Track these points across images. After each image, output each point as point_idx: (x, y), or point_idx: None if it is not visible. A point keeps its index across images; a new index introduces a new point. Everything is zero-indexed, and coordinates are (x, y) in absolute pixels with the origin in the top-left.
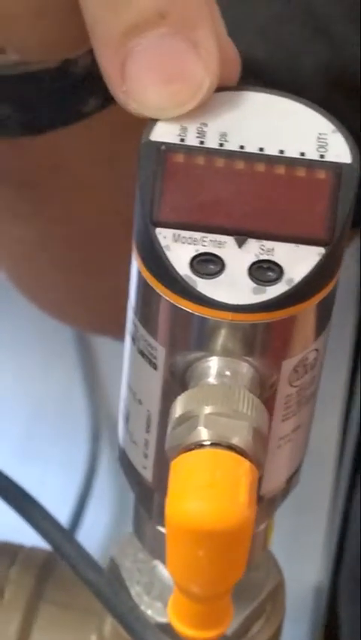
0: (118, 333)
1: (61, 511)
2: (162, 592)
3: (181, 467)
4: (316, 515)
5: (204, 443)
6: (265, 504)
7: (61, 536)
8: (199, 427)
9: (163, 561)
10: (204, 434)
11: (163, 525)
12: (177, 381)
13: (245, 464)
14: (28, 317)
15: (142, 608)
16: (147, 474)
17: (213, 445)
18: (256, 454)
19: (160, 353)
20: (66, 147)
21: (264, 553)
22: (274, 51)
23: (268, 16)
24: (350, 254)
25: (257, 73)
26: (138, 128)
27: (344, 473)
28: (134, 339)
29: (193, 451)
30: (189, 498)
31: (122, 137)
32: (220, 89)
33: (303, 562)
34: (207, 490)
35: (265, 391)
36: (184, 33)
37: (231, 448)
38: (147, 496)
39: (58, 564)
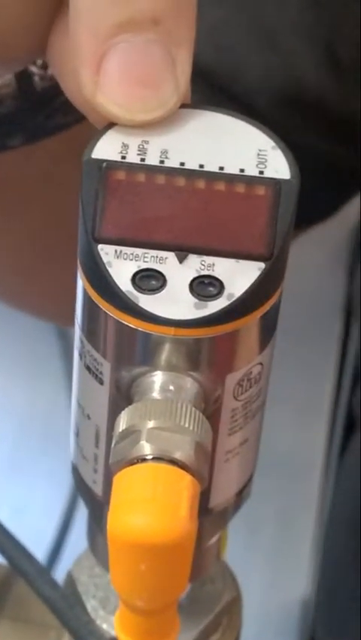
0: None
1: (47, 525)
2: (118, 606)
3: (123, 481)
4: (302, 527)
5: (147, 457)
6: (216, 517)
7: (16, 551)
8: (142, 442)
9: None
10: (146, 448)
11: None
12: (123, 396)
13: (186, 478)
14: (14, 332)
15: (98, 622)
16: (97, 488)
17: (156, 459)
18: (199, 468)
19: (105, 368)
20: (3, 165)
21: (219, 565)
22: (222, 56)
23: (217, 19)
24: (337, 262)
25: (204, 77)
26: (75, 153)
27: (330, 485)
28: (81, 355)
29: (135, 466)
30: (130, 512)
31: (62, 159)
32: None
33: (289, 574)
34: (148, 503)
35: (209, 405)
36: (168, 46)
37: (173, 462)
38: (98, 511)
39: (17, 579)
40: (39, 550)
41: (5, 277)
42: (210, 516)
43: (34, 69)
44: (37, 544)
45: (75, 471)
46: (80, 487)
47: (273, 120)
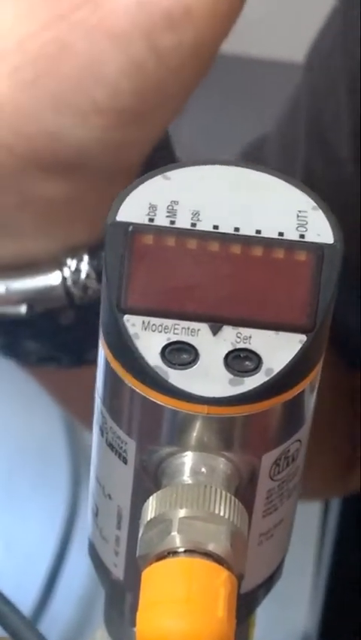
0: None
1: (42, 556)
2: None
3: (153, 578)
4: (302, 559)
5: (178, 551)
6: (245, 602)
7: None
8: (173, 533)
9: None
10: (177, 541)
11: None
12: (150, 477)
13: (223, 574)
14: (6, 362)
15: None
16: (118, 572)
17: (188, 552)
18: (236, 561)
19: (130, 447)
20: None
21: None
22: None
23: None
24: None
25: None
26: None
27: (333, 509)
28: (102, 431)
29: (166, 560)
30: (163, 614)
31: None
32: (192, 162)
33: (290, 607)
34: (181, 604)
35: (244, 487)
36: None
37: (208, 555)
38: (119, 595)
39: None
40: (33, 581)
41: None
42: (240, 602)
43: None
44: (31, 576)
45: (92, 550)
46: (98, 568)
47: None
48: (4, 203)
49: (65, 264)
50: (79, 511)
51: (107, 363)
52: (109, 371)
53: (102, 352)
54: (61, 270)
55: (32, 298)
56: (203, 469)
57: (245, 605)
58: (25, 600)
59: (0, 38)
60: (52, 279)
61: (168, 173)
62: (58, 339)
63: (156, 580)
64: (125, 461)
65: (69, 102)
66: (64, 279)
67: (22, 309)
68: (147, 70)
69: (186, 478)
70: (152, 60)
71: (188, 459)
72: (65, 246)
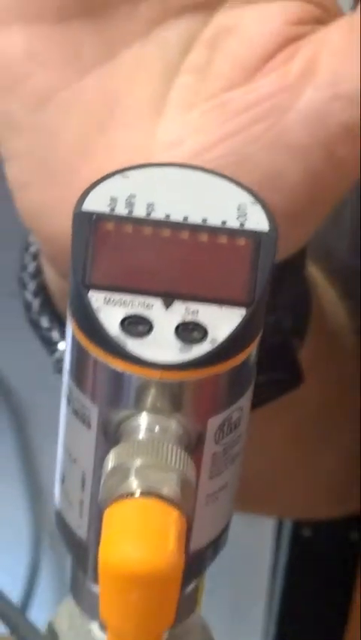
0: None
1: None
2: None
3: (114, 516)
4: (256, 579)
5: (135, 494)
6: (193, 562)
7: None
8: (130, 479)
9: (98, 621)
10: (134, 485)
11: (97, 583)
12: (110, 440)
13: (174, 513)
14: None
15: None
16: (82, 533)
17: (144, 495)
18: (185, 503)
19: (93, 412)
20: None
21: (197, 620)
22: None
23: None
24: None
25: None
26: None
27: (285, 532)
28: (68, 400)
29: (124, 501)
30: (123, 542)
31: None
32: (148, 165)
33: (245, 630)
34: (139, 535)
35: (192, 447)
36: None
37: (160, 497)
38: (83, 556)
39: None
40: None
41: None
42: (187, 560)
43: None
44: None
45: (59, 517)
46: (64, 533)
47: None
48: None
49: None
50: (40, 572)
51: (73, 337)
52: (75, 343)
53: (70, 327)
54: None
55: None
56: (157, 429)
57: (195, 564)
58: None
59: (174, 150)
60: None
61: (127, 173)
62: None
63: (116, 517)
64: (88, 426)
65: None
66: None
67: None
68: (324, 179)
69: (142, 435)
70: (329, 169)
71: (143, 420)
72: None
